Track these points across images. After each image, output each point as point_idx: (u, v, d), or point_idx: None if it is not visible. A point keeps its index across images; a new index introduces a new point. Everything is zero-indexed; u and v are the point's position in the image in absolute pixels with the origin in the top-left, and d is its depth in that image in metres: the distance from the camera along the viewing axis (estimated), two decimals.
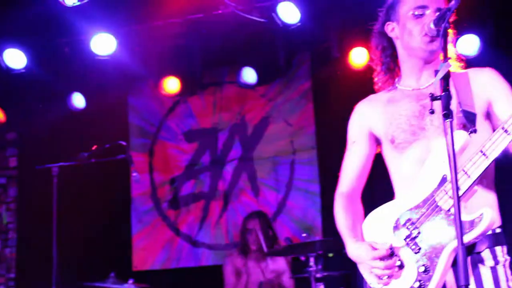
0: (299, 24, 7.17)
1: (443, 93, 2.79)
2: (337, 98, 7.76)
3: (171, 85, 8.42)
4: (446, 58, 2.93)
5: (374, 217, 3.39)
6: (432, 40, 3.35)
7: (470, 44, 6.96)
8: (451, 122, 2.75)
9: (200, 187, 8.85)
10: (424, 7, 3.46)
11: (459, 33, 7.01)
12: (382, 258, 3.19)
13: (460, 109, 3.23)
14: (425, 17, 3.42)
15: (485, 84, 3.38)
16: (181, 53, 8.00)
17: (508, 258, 3.21)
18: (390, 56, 3.63)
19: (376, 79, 3.70)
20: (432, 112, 2.87)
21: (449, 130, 2.75)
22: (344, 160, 3.66)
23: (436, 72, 2.86)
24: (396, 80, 3.60)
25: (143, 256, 8.83)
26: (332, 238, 6.20)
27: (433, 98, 2.84)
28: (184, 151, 8.96)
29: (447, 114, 2.74)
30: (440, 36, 3.04)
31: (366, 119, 3.59)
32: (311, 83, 8.47)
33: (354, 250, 3.34)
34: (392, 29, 3.58)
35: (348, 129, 3.68)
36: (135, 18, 7.55)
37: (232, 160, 8.76)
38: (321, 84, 8.30)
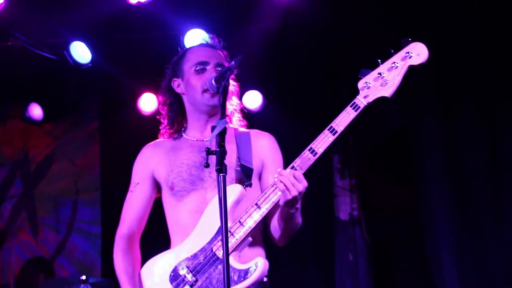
0: (90, 64, 7.15)
1: (218, 149, 2.95)
2: (124, 141, 7.76)
3: None
4: (223, 115, 3.11)
5: (152, 264, 3.47)
6: (213, 95, 3.52)
7: (253, 99, 7.32)
8: (224, 177, 2.91)
9: None
10: (204, 63, 3.67)
11: (244, 88, 7.46)
12: None
13: (239, 163, 3.44)
14: (206, 72, 3.62)
15: (263, 146, 3.66)
16: None
17: None
18: (176, 111, 3.79)
19: (162, 130, 3.81)
20: (207, 165, 2.99)
21: (222, 185, 2.90)
22: (126, 201, 3.73)
23: (213, 128, 3.01)
24: (182, 129, 3.74)
25: None
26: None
27: (209, 152, 2.99)
28: None
29: (220, 169, 2.89)
30: (219, 93, 3.22)
31: (150, 163, 3.69)
32: (98, 124, 8.40)
33: None
34: (178, 85, 3.75)
35: (132, 170, 3.76)
36: None
37: (11, 197, 8.42)
38: (109, 126, 8.25)
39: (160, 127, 3.83)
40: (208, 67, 3.65)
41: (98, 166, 8.34)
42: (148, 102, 7.65)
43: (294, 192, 3.21)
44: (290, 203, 3.26)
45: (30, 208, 8.39)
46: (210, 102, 3.58)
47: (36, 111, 7.91)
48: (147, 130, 7.48)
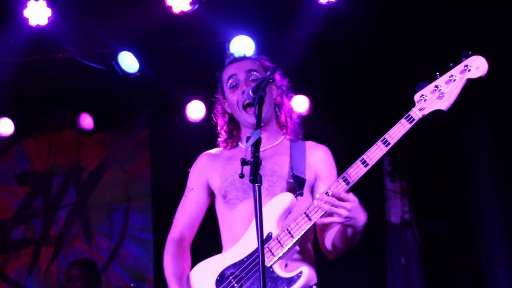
0: (138, 74, 7.24)
1: (252, 160, 2.95)
2: (173, 148, 7.84)
3: (4, 126, 8.12)
4: (259, 125, 3.11)
5: (200, 268, 3.51)
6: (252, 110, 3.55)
7: (300, 104, 7.29)
8: (259, 187, 2.91)
9: (31, 232, 8.59)
10: (233, 75, 3.72)
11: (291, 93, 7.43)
12: None
13: (291, 173, 3.45)
14: (238, 87, 3.68)
15: (318, 158, 3.65)
16: (17, 94, 7.78)
17: None
18: (233, 126, 3.84)
19: (219, 140, 3.87)
20: (242, 176, 3.01)
21: (257, 195, 2.90)
22: (180, 205, 3.78)
23: (248, 138, 3.02)
24: (239, 139, 3.81)
25: None
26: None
27: (244, 163, 3.00)
28: (15, 195, 8.68)
29: (254, 179, 2.89)
30: (255, 103, 3.22)
31: (206, 171, 3.75)
32: (148, 132, 8.50)
33: None
34: (227, 106, 3.81)
35: (188, 176, 3.82)
36: None
37: (65, 206, 8.59)
38: (159, 134, 8.33)
39: (218, 141, 3.88)
40: (238, 80, 3.69)
41: (149, 173, 8.43)
42: (196, 110, 7.71)
43: (344, 212, 3.19)
44: (348, 223, 3.25)
45: (83, 216, 8.53)
46: (250, 118, 3.62)
47: (86, 120, 8.05)
48: (195, 137, 7.66)
